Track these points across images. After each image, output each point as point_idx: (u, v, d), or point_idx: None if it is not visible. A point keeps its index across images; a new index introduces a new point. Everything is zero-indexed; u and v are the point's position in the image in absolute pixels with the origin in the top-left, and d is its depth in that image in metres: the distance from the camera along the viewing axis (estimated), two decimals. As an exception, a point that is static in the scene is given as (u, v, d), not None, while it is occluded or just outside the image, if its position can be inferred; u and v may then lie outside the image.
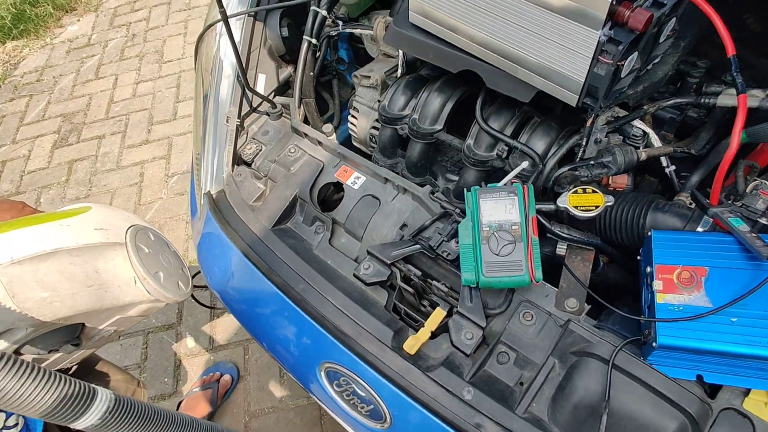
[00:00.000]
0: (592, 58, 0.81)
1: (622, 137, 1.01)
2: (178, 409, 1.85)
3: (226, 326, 2.05)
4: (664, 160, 1.01)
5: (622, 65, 0.82)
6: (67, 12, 3.71)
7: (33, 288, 0.85)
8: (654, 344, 0.69)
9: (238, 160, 1.23)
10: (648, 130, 1.00)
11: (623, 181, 1.03)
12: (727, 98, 0.92)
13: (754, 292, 0.65)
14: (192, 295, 1.21)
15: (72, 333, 0.97)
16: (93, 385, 0.70)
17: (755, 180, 0.84)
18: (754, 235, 0.69)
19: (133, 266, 0.97)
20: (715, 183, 0.75)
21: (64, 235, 0.91)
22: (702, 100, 0.97)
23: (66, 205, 1.07)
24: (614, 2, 0.76)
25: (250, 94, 1.26)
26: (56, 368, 1.04)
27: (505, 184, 0.91)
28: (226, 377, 1.90)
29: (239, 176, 1.19)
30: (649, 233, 0.76)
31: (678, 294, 0.69)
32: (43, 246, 0.87)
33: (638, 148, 1.00)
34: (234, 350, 1.99)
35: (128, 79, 3.08)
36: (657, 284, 0.71)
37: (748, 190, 0.84)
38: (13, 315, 0.83)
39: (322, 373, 0.94)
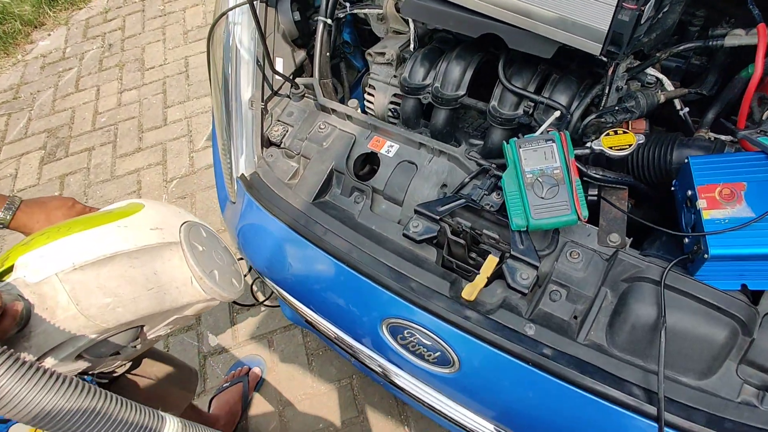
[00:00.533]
0: (617, 6, 0.87)
1: (639, 84, 1.08)
2: (209, 406, 1.85)
3: (247, 322, 2.06)
4: (678, 103, 1.09)
5: (644, 11, 0.89)
6: (35, 27, 3.62)
7: (96, 294, 0.84)
8: (706, 256, 0.75)
9: (266, 142, 1.26)
10: (661, 76, 1.07)
11: (642, 126, 1.10)
12: (734, 38, 1.00)
13: (791, 198, 0.71)
14: None
15: (133, 336, 0.97)
16: (161, 413, 0.73)
17: (768, 108, 0.92)
18: (785, 149, 0.76)
19: (189, 266, 0.96)
20: (742, 109, 0.82)
21: (123, 238, 0.90)
22: (710, 43, 1.04)
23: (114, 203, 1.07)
24: (636, -49, 0.82)
25: (270, 78, 1.28)
26: (111, 367, 1.04)
27: (540, 133, 0.97)
28: (256, 369, 1.91)
29: (270, 157, 1.21)
30: (686, 160, 0.82)
31: (722, 209, 0.76)
32: (104, 250, 0.86)
33: (656, 92, 1.08)
34: (258, 344, 2.00)
35: (111, 89, 3.04)
36: (701, 203, 0.77)
37: (764, 118, 0.91)
38: (78, 322, 0.82)
39: (385, 330, 0.97)
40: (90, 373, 1.00)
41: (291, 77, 1.33)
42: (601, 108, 1.05)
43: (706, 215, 0.76)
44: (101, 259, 0.87)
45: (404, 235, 1.01)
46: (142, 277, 0.91)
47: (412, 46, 1.33)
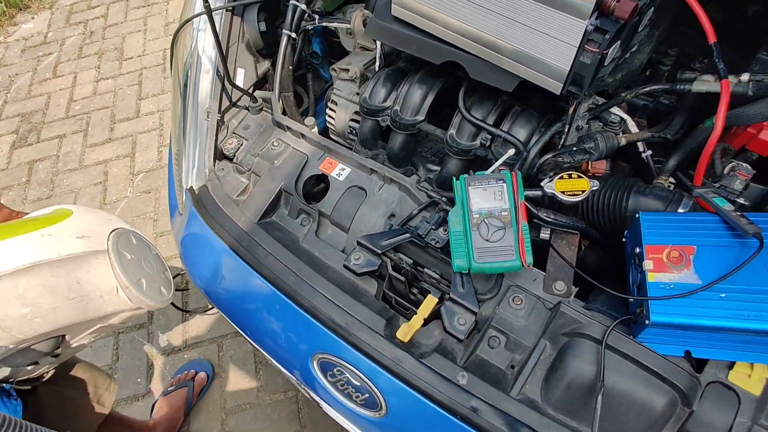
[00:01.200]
0: (578, 47, 0.82)
1: (601, 124, 1.04)
2: (152, 409, 1.79)
3: (198, 324, 2.00)
4: (640, 146, 1.05)
5: (607, 54, 0.84)
6: (20, 9, 3.53)
7: (13, 304, 0.82)
8: (647, 322, 0.71)
9: (219, 155, 1.20)
10: (625, 116, 1.03)
11: (602, 167, 1.06)
12: (701, 84, 0.96)
13: (741, 268, 0.67)
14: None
15: (53, 345, 0.93)
16: None
17: (731, 162, 0.88)
18: (738, 213, 0.72)
19: (116, 274, 0.92)
20: (699, 164, 0.78)
21: (46, 247, 0.86)
22: (677, 87, 1.01)
23: (40, 209, 1.02)
24: (601, -8, 0.77)
25: (229, 89, 1.23)
26: (35, 374, 1.00)
27: (492, 172, 0.92)
28: (202, 374, 1.85)
29: (222, 171, 1.16)
30: (636, 215, 0.79)
31: (668, 273, 0.72)
32: (24, 259, 0.83)
33: (617, 134, 1.04)
34: (208, 347, 1.95)
35: (88, 77, 2.96)
36: (647, 264, 0.73)
37: (725, 172, 0.87)
38: None
39: (315, 365, 0.93)
40: (11, 381, 0.95)
41: (252, 89, 1.28)
42: (560, 146, 1.01)
43: (651, 278, 0.72)
44: (21, 269, 0.83)
45: (345, 266, 0.96)
46: (64, 287, 0.87)
47: (377, 64, 1.28)
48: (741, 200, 0.84)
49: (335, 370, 0.91)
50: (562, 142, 1.00)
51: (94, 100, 2.83)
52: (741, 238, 0.71)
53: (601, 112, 1.02)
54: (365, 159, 1.05)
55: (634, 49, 0.99)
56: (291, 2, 1.24)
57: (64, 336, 0.95)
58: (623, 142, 0.99)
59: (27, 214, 1.04)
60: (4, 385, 0.94)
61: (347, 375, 0.89)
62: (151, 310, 0.99)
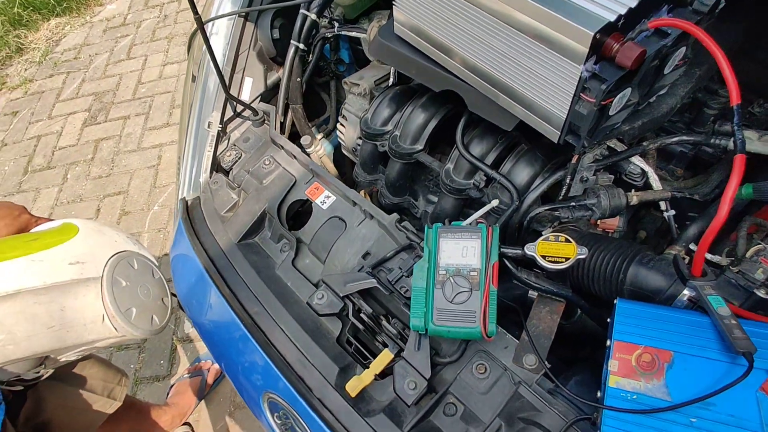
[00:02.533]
0: (574, 95, 0.71)
1: (614, 176, 0.90)
2: (168, 393, 1.88)
3: (223, 318, 2.06)
4: (663, 204, 0.90)
5: (610, 104, 0.72)
6: (108, -10, 3.79)
7: None
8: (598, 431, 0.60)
9: (217, 166, 1.20)
10: (647, 168, 0.89)
11: (614, 223, 0.93)
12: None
13: (722, 391, 0.55)
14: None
15: (34, 364, 0.96)
16: None
17: (759, 243, 0.73)
18: (733, 322, 0.59)
19: (104, 303, 0.92)
20: (698, 252, 0.65)
21: (33, 274, 0.87)
22: (713, 141, 0.85)
23: (54, 215, 1.05)
24: (599, 35, 0.65)
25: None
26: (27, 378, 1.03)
27: (470, 223, 0.83)
28: (216, 367, 1.91)
29: (215, 184, 1.15)
30: (615, 301, 0.67)
31: (634, 379, 0.60)
32: (7, 286, 0.84)
33: (633, 188, 0.90)
34: (229, 343, 2.00)
35: (156, 60, 3.12)
36: (612, 364, 0.62)
37: (748, 255, 0.72)
38: None
39: (265, 404, 0.90)
40: (2, 381, 1.00)
41: (257, 99, 1.26)
42: (559, 198, 0.89)
43: (612, 382, 0.61)
44: (2, 296, 0.84)
45: (308, 304, 0.92)
46: (45, 315, 0.88)
47: (390, 81, 1.21)
48: (761, 293, 0.69)
49: (282, 412, 0.88)
50: (563, 194, 0.88)
51: (158, 84, 2.99)
52: (730, 353, 0.58)
53: (614, 163, 0.88)
54: (349, 190, 1.00)
55: (662, 92, 0.85)
56: (301, 11, 1.19)
57: (46, 356, 0.98)
58: (634, 201, 0.85)
59: (47, 221, 1.08)
60: None
61: (292, 421, 0.86)
62: (136, 339, 1.00)
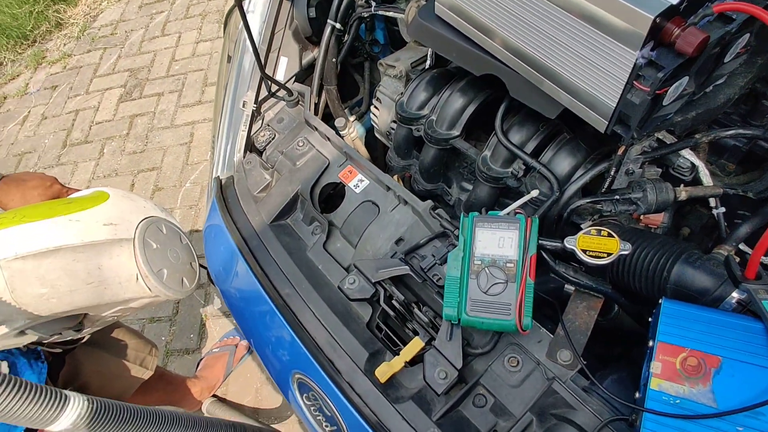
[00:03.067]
0: (626, 83, 0.67)
1: (662, 169, 0.86)
2: (197, 366, 1.93)
3: (251, 295, 2.09)
4: (712, 200, 0.86)
5: (666, 92, 0.68)
6: (144, -35, 3.80)
7: (33, 284, 0.87)
8: (636, 435, 0.59)
9: (251, 146, 1.20)
10: (697, 162, 0.84)
11: (658, 219, 0.89)
12: (801, 138, 0.75)
13: (772, 400, 0.52)
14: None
15: (74, 320, 1.00)
16: (67, 392, 0.73)
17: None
18: (789, 327, 0.56)
19: (137, 263, 0.96)
20: (755, 252, 0.61)
21: (71, 232, 0.91)
22: (770, 135, 0.80)
23: (91, 187, 1.09)
24: (659, 18, 0.61)
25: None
26: (64, 339, 1.08)
27: (508, 213, 0.81)
28: (244, 343, 1.95)
29: (249, 164, 1.16)
30: (660, 300, 0.64)
31: (678, 383, 0.58)
32: (49, 243, 0.88)
33: (682, 182, 0.85)
34: (256, 320, 2.03)
35: (190, 37, 3.14)
36: (655, 366, 0.60)
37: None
38: (10, 308, 0.85)
39: (295, 384, 0.91)
40: (42, 343, 1.05)
41: (293, 79, 1.25)
42: (602, 190, 0.85)
43: (654, 384, 0.59)
44: (44, 251, 0.89)
45: (339, 288, 0.92)
46: (83, 272, 0.92)
47: (427, 63, 1.18)
48: (819, 301, 0.65)
49: (311, 393, 0.88)
50: (606, 186, 0.85)
51: (192, 61, 3.01)
52: (787, 364, 0.55)
53: (663, 156, 0.84)
54: (383, 174, 0.98)
55: (720, 82, 0.80)
56: (338, -9, 1.16)
57: (85, 314, 1.02)
58: (683, 197, 0.81)
59: (77, 191, 1.12)
60: (36, 347, 1.04)
61: (320, 402, 0.87)
62: (169, 299, 1.03)
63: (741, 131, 0.81)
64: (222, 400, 1.83)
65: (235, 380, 1.92)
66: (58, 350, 1.14)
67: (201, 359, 1.94)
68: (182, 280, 1.05)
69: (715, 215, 0.86)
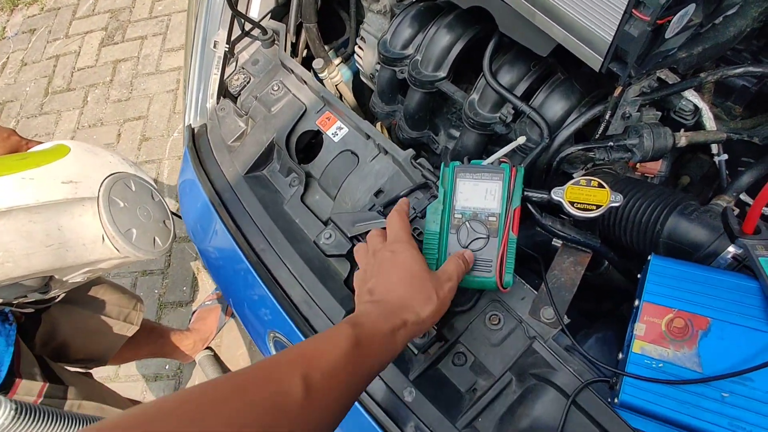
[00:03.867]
0: (624, 11, 0.59)
1: (662, 112, 0.79)
2: (191, 318, 1.94)
3: (243, 247, 2.07)
4: (714, 146, 0.79)
5: (669, 22, 0.60)
6: None
7: None
8: (616, 400, 0.55)
9: (224, 91, 1.12)
10: (701, 104, 0.77)
11: (655, 166, 0.83)
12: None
13: (764, 367, 0.49)
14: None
15: (40, 283, 0.96)
16: None
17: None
18: (787, 287, 0.51)
19: (103, 223, 0.92)
20: (755, 205, 0.56)
21: (25, 192, 0.86)
22: (784, 73, 0.72)
23: (48, 142, 1.02)
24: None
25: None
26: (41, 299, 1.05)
27: (492, 162, 0.75)
28: (237, 296, 1.95)
29: (222, 111, 1.08)
30: (649, 257, 0.59)
31: (662, 346, 0.54)
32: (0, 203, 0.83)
33: (683, 127, 0.78)
34: (248, 271, 2.02)
35: (173, -26, 2.95)
36: (639, 328, 0.56)
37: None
38: None
39: (271, 343, 0.89)
40: (12, 303, 1.02)
41: (267, 17, 1.14)
42: (596, 136, 0.79)
43: (637, 347, 0.56)
44: None
45: (315, 243, 0.87)
46: (41, 233, 0.88)
47: (414, -4, 1.07)
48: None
49: (287, 350, 0.86)
50: (600, 132, 0.78)
51: (176, 1, 2.83)
52: (781, 327, 0.50)
53: (663, 97, 0.76)
54: (362, 121, 0.91)
55: (731, 12, 0.71)
56: None
57: (51, 276, 0.98)
58: (682, 142, 0.74)
59: (38, 143, 1.06)
60: (4, 309, 1.01)
61: (296, 359, 0.84)
62: (140, 259, 1.00)
63: (751, 69, 0.73)
64: (215, 354, 1.85)
65: (228, 332, 1.93)
66: (30, 310, 1.12)
67: (194, 312, 1.95)
68: (154, 239, 1.01)
69: (717, 163, 0.80)
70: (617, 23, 0.61)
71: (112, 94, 2.64)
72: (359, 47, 1.16)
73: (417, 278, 0.62)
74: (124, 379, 1.98)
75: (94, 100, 2.65)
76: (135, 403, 1.47)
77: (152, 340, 1.60)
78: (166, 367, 1.97)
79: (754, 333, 0.51)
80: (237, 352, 1.88)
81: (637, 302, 0.59)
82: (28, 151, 1.01)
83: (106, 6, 2.99)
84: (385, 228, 0.72)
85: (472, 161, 0.75)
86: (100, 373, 1.91)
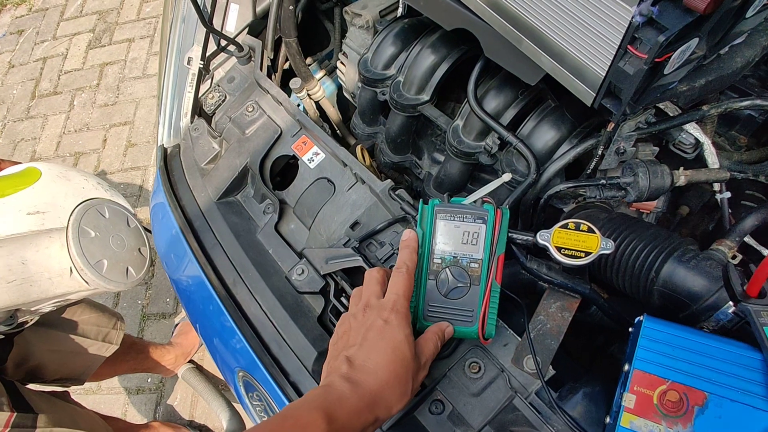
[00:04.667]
0: (619, 47, 0.54)
1: (658, 148, 0.73)
2: (173, 332, 1.88)
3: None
4: (716, 184, 0.74)
5: (666, 60, 0.54)
6: None
7: None
8: (601, 479, 0.50)
9: (199, 109, 1.06)
10: (703, 138, 0.71)
11: (651, 205, 0.77)
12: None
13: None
14: None
15: (3, 316, 0.91)
16: None
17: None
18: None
19: (71, 255, 0.86)
20: (761, 266, 0.50)
21: None
22: (792, 108, 0.66)
23: (21, 164, 0.96)
24: (662, -39, 0.47)
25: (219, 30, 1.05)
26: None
27: (475, 201, 0.69)
28: (222, 310, 1.89)
29: (196, 131, 1.02)
30: (640, 318, 0.54)
31: (654, 421, 0.49)
32: None
33: (684, 161, 0.73)
34: (234, 284, 1.97)
35: (163, -25, 2.88)
36: (628, 399, 0.50)
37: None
38: None
39: (240, 382, 0.84)
40: None
41: (245, 31, 1.08)
42: (587, 173, 0.73)
43: (625, 421, 0.50)
44: None
45: (287, 278, 0.82)
46: (3, 268, 0.83)
47: (399, 11, 1.02)
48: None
49: (256, 394, 0.81)
50: (592, 167, 0.73)
51: (163, 2, 2.77)
52: (787, 409, 0.45)
53: (662, 131, 0.71)
54: (339, 148, 0.86)
55: (738, 42, 0.65)
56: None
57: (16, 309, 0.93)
58: (681, 182, 0.69)
59: (14, 164, 1.00)
60: None
61: (265, 403, 0.79)
62: (111, 291, 0.94)
63: (759, 102, 0.68)
64: (198, 367, 1.79)
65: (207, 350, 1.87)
66: (0, 336, 1.06)
67: (176, 325, 1.89)
68: (127, 269, 0.95)
69: (719, 200, 0.74)
70: (611, 58, 0.55)
71: (99, 98, 2.58)
72: (342, 63, 1.10)
73: (402, 367, 0.57)
74: (107, 391, 1.93)
75: (80, 104, 2.59)
76: (113, 420, 1.42)
77: (132, 356, 1.55)
78: (149, 380, 1.92)
79: (754, 412, 0.46)
80: (221, 369, 1.82)
81: (627, 366, 0.53)
82: (2, 173, 0.95)
83: (94, 7, 2.92)
84: (382, 272, 0.66)
85: (453, 199, 0.69)
86: (80, 387, 1.87)
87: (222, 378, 1.80)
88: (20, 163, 1.00)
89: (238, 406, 1.63)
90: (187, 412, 1.82)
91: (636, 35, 0.52)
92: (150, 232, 1.06)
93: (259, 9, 1.10)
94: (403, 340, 0.58)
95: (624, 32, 0.52)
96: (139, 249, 1.00)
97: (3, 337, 1.07)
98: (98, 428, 1.26)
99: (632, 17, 0.50)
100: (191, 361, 1.82)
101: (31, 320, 1.06)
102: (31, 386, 1.15)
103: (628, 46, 0.53)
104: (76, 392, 1.36)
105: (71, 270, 0.88)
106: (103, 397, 1.93)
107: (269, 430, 0.49)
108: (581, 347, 0.94)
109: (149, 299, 2.02)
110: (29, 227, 0.84)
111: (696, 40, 0.55)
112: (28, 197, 0.87)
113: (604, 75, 0.58)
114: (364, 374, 0.55)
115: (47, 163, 0.95)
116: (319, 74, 1.25)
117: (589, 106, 0.63)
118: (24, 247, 0.84)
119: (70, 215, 0.89)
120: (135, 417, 1.85)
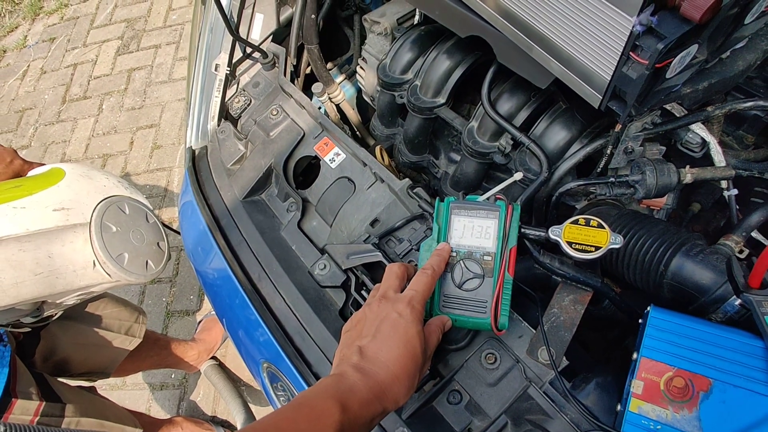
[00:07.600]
0: (621, 54, 0.57)
1: (665, 148, 0.76)
2: (196, 329, 1.94)
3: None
4: (723, 181, 0.76)
5: (667, 66, 0.57)
6: None
7: None
8: (609, 459, 0.53)
9: (225, 113, 1.12)
10: (709, 138, 0.74)
11: (661, 199, 0.80)
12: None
13: (764, 433, 0.46)
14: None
15: (30, 307, 0.96)
16: None
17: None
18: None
19: (94, 249, 0.91)
20: (761, 257, 0.53)
21: (16, 221, 0.86)
22: (798, 108, 0.68)
23: (47, 165, 1.02)
24: (661, -26, 0.50)
25: (245, 37, 1.10)
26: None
27: (489, 199, 0.73)
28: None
29: (222, 133, 1.08)
30: (648, 309, 0.57)
31: (661, 407, 0.52)
32: None
33: (691, 159, 0.75)
34: (255, 283, 2.02)
35: (187, -17, 2.98)
36: (636, 385, 0.53)
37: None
38: None
39: (265, 373, 0.88)
40: (5, 325, 1.03)
41: (269, 39, 1.14)
42: (597, 171, 0.76)
43: (633, 406, 0.53)
44: None
45: (309, 273, 0.86)
46: (31, 262, 0.87)
47: (416, 19, 1.06)
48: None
49: (280, 384, 0.85)
50: (602, 166, 0.75)
51: (188, 10, 2.86)
52: (786, 393, 0.48)
53: (668, 131, 0.73)
54: (359, 149, 0.90)
55: (739, 46, 0.68)
56: (315, -64, 1.03)
57: (44, 301, 0.98)
58: (688, 179, 0.71)
59: (40, 165, 1.06)
60: None
61: (289, 394, 0.84)
62: (132, 283, 0.99)
63: (762, 103, 0.70)
64: (220, 364, 1.85)
65: (233, 343, 1.93)
66: (27, 329, 1.12)
67: (199, 322, 1.95)
68: (147, 262, 1.00)
69: (726, 197, 0.76)
70: (615, 64, 0.58)
71: (126, 102, 2.67)
72: (361, 68, 1.15)
73: (413, 362, 0.59)
74: (131, 387, 2.00)
75: (108, 108, 2.69)
76: (138, 415, 1.48)
77: (156, 352, 1.61)
78: (172, 376, 1.98)
79: (757, 398, 0.48)
80: (243, 362, 1.88)
81: (635, 355, 0.56)
82: (31, 173, 1.02)
83: (123, 15, 3.03)
84: (403, 267, 0.69)
85: (468, 196, 0.73)
86: (106, 383, 1.94)
87: (244, 373, 1.86)
88: (44, 164, 1.06)
89: (254, 407, 1.68)
90: (209, 408, 1.88)
91: (637, 43, 0.55)
92: (168, 228, 1.11)
93: (282, 18, 1.15)
94: (415, 336, 0.60)
95: (625, 40, 0.55)
96: (158, 243, 1.05)
97: (30, 330, 1.14)
98: (126, 420, 1.32)
99: (633, 26, 0.54)
100: (214, 357, 1.88)
101: (56, 314, 1.12)
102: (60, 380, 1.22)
103: (630, 53, 0.56)
104: (102, 388, 1.41)
105: (94, 263, 0.93)
106: (127, 392, 2.00)
107: (285, 417, 0.50)
108: (597, 340, 0.96)
109: (173, 296, 2.09)
110: (55, 223, 0.90)
111: (696, 46, 0.58)
112: (54, 195, 0.93)
113: (609, 79, 0.61)
114: (376, 366, 0.57)
115: (71, 164, 1.01)
116: (340, 79, 1.29)
117: (597, 108, 0.66)
118: (50, 241, 0.89)
119: (93, 211, 0.94)
120: (159, 412, 1.91)
